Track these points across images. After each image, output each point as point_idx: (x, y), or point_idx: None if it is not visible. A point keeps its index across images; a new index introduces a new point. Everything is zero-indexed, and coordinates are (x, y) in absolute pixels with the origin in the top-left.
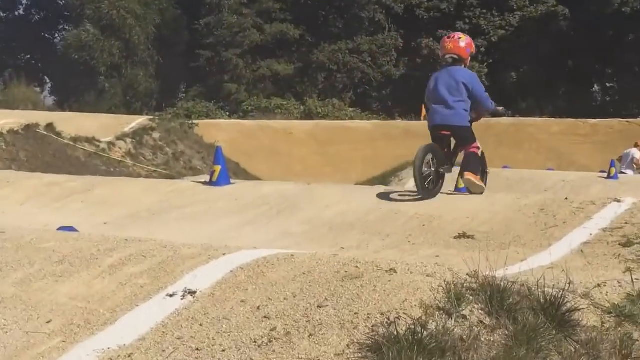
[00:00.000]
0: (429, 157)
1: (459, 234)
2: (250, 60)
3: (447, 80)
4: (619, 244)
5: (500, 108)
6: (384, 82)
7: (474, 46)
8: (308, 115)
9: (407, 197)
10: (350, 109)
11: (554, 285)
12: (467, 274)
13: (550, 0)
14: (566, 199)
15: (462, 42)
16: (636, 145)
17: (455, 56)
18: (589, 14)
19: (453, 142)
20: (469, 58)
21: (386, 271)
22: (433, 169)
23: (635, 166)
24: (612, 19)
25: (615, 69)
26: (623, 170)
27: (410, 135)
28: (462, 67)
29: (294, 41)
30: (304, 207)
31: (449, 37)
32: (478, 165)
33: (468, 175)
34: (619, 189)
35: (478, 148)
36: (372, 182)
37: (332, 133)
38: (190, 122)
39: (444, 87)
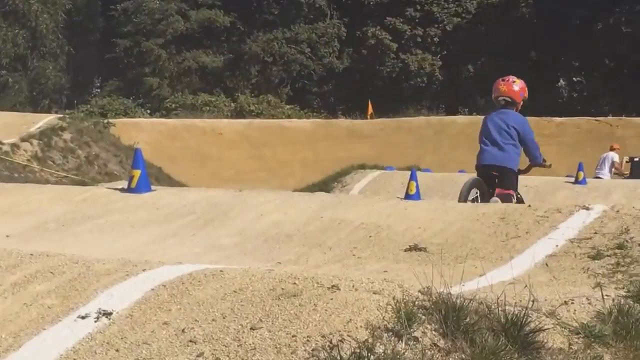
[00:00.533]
0: (475, 192)
1: (409, 246)
2: (174, 50)
3: (498, 123)
4: (588, 257)
5: (548, 163)
6: (326, 76)
7: (527, 91)
8: (240, 114)
9: (352, 204)
10: (288, 106)
11: (515, 302)
12: (419, 291)
13: None
14: (529, 206)
15: (516, 85)
16: (612, 149)
17: (508, 99)
18: None
19: None
20: (522, 102)
21: (328, 288)
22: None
23: (614, 170)
24: (579, 5)
25: (583, 62)
26: (599, 175)
27: (354, 136)
28: (513, 110)
29: (223, 30)
30: (235, 217)
31: (503, 80)
32: None
33: None
34: (588, 195)
35: (514, 195)
36: (312, 188)
37: (267, 133)
38: (105, 121)
39: (495, 129)
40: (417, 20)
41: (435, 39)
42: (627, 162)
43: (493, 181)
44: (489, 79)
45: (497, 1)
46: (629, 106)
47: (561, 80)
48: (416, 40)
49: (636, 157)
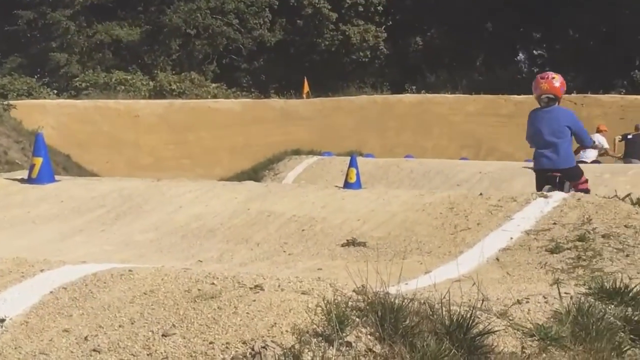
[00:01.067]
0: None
1: (347, 240)
2: (84, 23)
3: (549, 123)
4: (546, 250)
5: (597, 142)
6: (256, 51)
7: (565, 84)
8: (159, 94)
9: (282, 194)
10: (214, 85)
11: (463, 302)
12: (354, 291)
13: None
14: (481, 194)
15: (556, 81)
16: (598, 130)
17: (552, 96)
18: None
19: None
20: (562, 96)
21: (250, 288)
22: None
23: (600, 152)
24: None
25: (545, 33)
26: (582, 158)
27: (289, 118)
28: (558, 106)
29: None
30: (150, 210)
31: (542, 78)
32: None
33: None
34: None
35: (587, 182)
36: (240, 177)
37: (191, 116)
38: (5, 102)
39: (548, 131)
40: None
41: (379, 8)
42: (619, 141)
43: (555, 179)
44: (439, 53)
45: None
46: (595, 82)
47: (520, 54)
48: (358, 10)
49: (630, 134)
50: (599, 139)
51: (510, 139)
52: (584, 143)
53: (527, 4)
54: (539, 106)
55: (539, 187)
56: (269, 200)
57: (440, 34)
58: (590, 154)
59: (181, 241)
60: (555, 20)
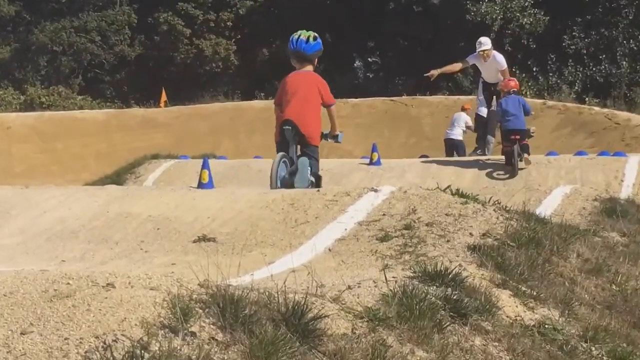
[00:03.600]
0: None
1: (198, 236)
2: None
3: (515, 102)
4: (376, 239)
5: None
6: (118, 65)
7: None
8: (30, 106)
9: (139, 196)
10: (80, 97)
11: (299, 290)
12: (199, 284)
13: None
14: (318, 190)
15: (514, 82)
16: (463, 109)
17: (516, 90)
18: None
19: None
20: None
21: (103, 287)
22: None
23: (466, 129)
24: None
25: (378, 42)
26: (450, 136)
27: (149, 125)
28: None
29: (9, 19)
30: (17, 215)
31: (511, 80)
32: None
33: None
34: (383, 176)
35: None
36: (105, 181)
37: (59, 126)
38: None
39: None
40: (209, 5)
41: (228, 24)
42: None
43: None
44: (284, 63)
45: None
46: (422, 85)
47: (357, 61)
48: (209, 25)
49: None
50: (465, 117)
51: (349, 138)
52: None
53: (361, 16)
54: None
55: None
56: (127, 203)
57: (284, 45)
58: (458, 134)
59: (46, 243)
60: (385, 31)
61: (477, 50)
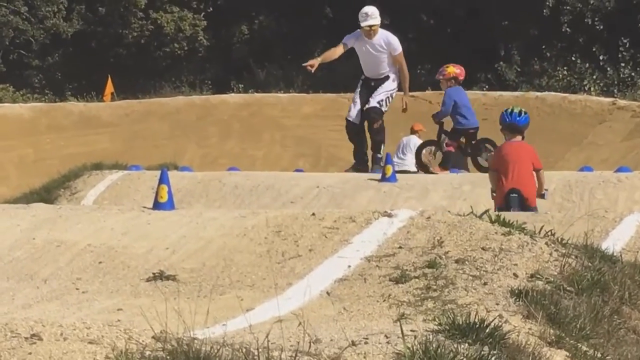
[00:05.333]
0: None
1: (153, 274)
2: None
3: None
4: (390, 280)
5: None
6: (50, 44)
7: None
8: None
9: (76, 219)
10: None
11: (282, 347)
12: (153, 337)
13: None
14: (313, 214)
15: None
16: (413, 131)
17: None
18: None
19: None
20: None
21: (26, 338)
22: None
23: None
24: None
25: (393, 20)
26: (403, 167)
27: (90, 125)
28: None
29: None
30: None
31: (459, 69)
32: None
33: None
34: (399, 197)
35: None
36: (30, 198)
37: None
38: None
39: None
40: None
41: None
42: None
43: None
44: (270, 44)
45: None
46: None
47: None
48: None
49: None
50: (417, 141)
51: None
52: None
53: None
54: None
55: None
56: (60, 227)
57: (271, 21)
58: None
59: None
60: (404, 3)
61: (362, 25)
